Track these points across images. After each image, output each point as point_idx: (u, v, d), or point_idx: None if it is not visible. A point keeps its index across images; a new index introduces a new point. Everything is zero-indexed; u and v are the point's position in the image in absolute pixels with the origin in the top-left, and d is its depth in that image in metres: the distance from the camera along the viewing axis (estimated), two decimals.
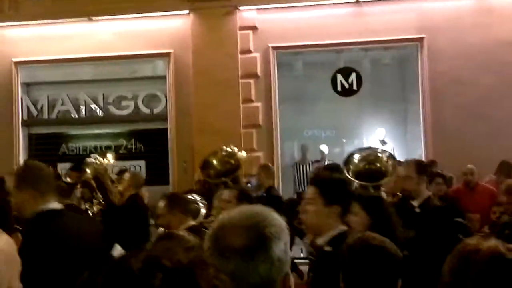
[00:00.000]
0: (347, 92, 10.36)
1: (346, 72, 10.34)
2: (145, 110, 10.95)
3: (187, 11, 10.34)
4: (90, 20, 10.67)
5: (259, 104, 10.30)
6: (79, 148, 11.35)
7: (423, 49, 10.10)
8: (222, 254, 1.46)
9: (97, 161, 6.45)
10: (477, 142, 9.32)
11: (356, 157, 5.83)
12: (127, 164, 10.90)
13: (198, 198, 5.68)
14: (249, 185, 7.28)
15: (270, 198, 6.59)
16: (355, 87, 10.30)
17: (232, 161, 6.55)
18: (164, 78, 10.74)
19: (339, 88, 10.33)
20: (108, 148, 11.22)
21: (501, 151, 8.82)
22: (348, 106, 11.74)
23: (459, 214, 5.41)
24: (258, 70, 10.32)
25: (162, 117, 10.74)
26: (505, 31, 9.73)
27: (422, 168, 4.92)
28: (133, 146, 11.14)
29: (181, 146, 10.30)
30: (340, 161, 9.96)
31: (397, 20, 10.04)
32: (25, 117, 11.21)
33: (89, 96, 11.13)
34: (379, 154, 5.90)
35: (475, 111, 9.60)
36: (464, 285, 1.60)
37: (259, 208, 1.56)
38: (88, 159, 6.61)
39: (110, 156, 6.88)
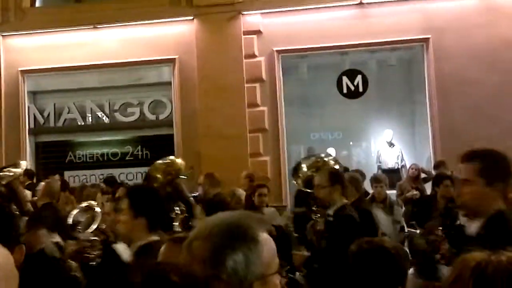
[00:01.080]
0: (353, 94, 10.33)
1: (351, 74, 10.31)
2: (151, 116, 10.96)
3: (191, 17, 10.35)
4: (95, 28, 10.70)
5: (265, 108, 10.28)
6: (86, 155, 11.37)
7: (429, 49, 10.03)
8: (192, 262, 1.45)
9: (9, 173, 6.38)
10: (486, 142, 9.15)
11: (304, 165, 5.92)
12: (134, 170, 10.92)
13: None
14: (195, 194, 7.10)
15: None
16: (361, 89, 10.26)
17: (172, 171, 6.44)
18: (169, 84, 10.74)
19: (345, 90, 10.30)
20: (114, 155, 11.24)
21: (510, 151, 8.73)
22: (355, 108, 11.68)
23: (370, 222, 5.31)
24: (263, 74, 10.29)
25: (168, 123, 10.74)
26: (511, 29, 9.65)
27: (335, 177, 4.95)
28: (140, 153, 11.15)
29: (188, 152, 10.27)
30: (348, 165, 9.97)
31: (402, 21, 9.99)
32: (32, 125, 11.25)
33: (95, 103, 11.17)
34: (326, 160, 5.99)
35: (483, 111, 9.51)
36: None
37: (233, 217, 1.54)
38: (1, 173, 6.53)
39: (23, 164, 6.82)
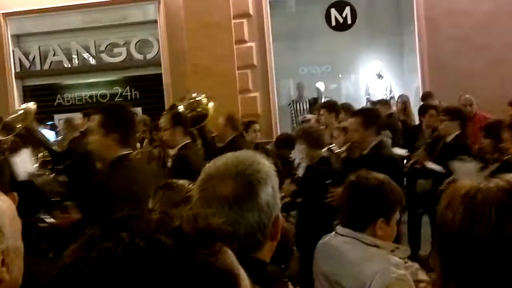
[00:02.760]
0: (341, 26, 10.21)
1: (340, 6, 10.15)
2: (138, 56, 10.85)
3: None
4: None
5: (252, 44, 10.18)
6: (75, 98, 11.33)
7: None
8: (210, 205, 1.46)
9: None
10: (474, 73, 9.26)
11: (181, 108, 6.24)
12: None
13: None
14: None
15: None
16: (349, 21, 10.14)
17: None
18: (155, 22, 10.58)
19: (333, 22, 10.17)
20: (103, 96, 11.19)
21: (499, 81, 8.80)
22: (343, 41, 11.59)
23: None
24: (250, 9, 10.13)
25: (156, 62, 10.65)
26: None
27: (177, 119, 5.17)
28: (129, 93, 11.12)
29: (177, 91, 10.23)
30: (337, 98, 10.02)
31: None
32: (18, 69, 11.12)
33: (81, 45, 11.01)
34: (199, 98, 6.41)
35: (472, 41, 9.48)
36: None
37: (244, 155, 1.56)
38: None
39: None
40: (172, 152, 5.36)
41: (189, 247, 0.75)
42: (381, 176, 2.57)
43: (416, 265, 2.52)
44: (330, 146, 5.37)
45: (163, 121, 5.19)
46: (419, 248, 6.47)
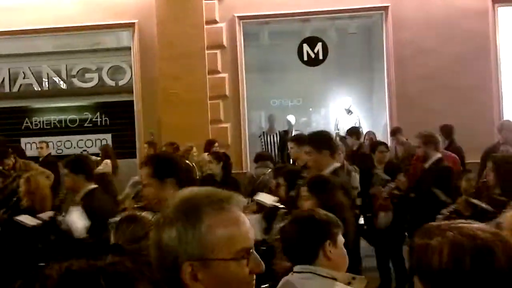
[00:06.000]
0: (313, 61, 10.41)
1: (312, 41, 10.37)
2: (110, 82, 10.81)
3: None
4: None
5: (225, 75, 10.26)
6: (43, 122, 11.16)
7: (388, 18, 10.15)
8: None
9: None
10: (440, 111, 9.48)
11: None
12: (93, 137, 10.81)
13: None
14: None
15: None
16: (321, 56, 10.35)
17: None
18: (128, 49, 10.57)
19: (305, 57, 10.37)
20: (72, 121, 11.07)
21: (464, 119, 9.03)
22: (315, 76, 11.79)
23: None
24: (224, 41, 10.24)
25: (128, 89, 10.61)
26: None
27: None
28: (99, 119, 11.02)
29: (148, 118, 10.22)
30: (307, 131, 10.12)
31: None
32: None
33: (52, 68, 10.92)
34: None
35: (439, 80, 9.74)
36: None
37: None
38: None
39: None
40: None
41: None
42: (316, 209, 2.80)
43: None
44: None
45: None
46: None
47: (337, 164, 4.92)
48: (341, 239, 2.62)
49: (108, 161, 8.93)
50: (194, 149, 8.41)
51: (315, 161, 4.86)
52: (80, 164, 4.81)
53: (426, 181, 6.24)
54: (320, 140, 4.98)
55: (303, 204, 3.57)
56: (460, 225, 1.37)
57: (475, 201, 4.86)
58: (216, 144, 8.94)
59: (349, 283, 2.47)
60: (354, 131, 9.37)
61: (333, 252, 2.54)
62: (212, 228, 1.41)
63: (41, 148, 9.31)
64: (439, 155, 6.48)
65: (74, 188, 4.79)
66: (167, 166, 3.52)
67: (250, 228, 1.48)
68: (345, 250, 2.63)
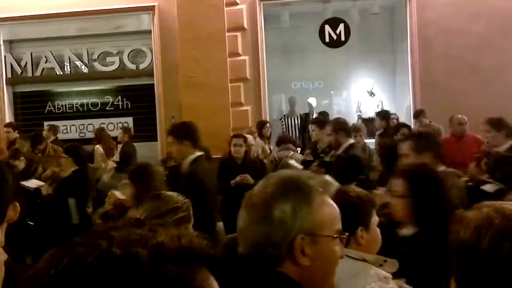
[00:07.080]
0: (335, 43, 10.26)
1: (334, 22, 10.21)
2: (130, 65, 10.81)
3: None
4: None
5: (246, 57, 10.19)
6: (66, 105, 11.25)
7: None
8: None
9: None
10: (465, 92, 9.31)
11: None
12: (114, 121, 10.87)
13: None
14: None
15: None
16: (343, 38, 10.19)
17: None
18: (149, 32, 10.55)
19: (327, 39, 10.22)
20: (94, 105, 11.14)
21: (490, 101, 8.84)
22: (336, 58, 11.65)
23: None
24: (245, 23, 10.15)
25: (149, 72, 10.61)
26: None
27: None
28: (120, 103, 11.06)
29: (168, 101, 10.22)
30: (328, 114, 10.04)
31: None
32: (9, 75, 11.05)
33: (74, 52, 10.95)
34: None
35: (464, 61, 9.55)
36: None
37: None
38: None
39: None
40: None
41: (165, 263, 0.74)
42: (349, 188, 2.61)
43: (403, 280, 2.51)
44: None
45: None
46: None
47: None
48: (375, 219, 2.51)
49: (99, 146, 8.88)
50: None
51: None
52: (185, 131, 4.91)
53: None
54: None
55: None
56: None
57: None
58: (268, 125, 9.24)
59: (380, 265, 2.41)
60: (382, 114, 9.26)
61: (365, 238, 2.44)
62: (321, 206, 1.51)
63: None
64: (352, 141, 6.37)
65: (180, 156, 4.92)
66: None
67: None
68: (379, 230, 2.52)
